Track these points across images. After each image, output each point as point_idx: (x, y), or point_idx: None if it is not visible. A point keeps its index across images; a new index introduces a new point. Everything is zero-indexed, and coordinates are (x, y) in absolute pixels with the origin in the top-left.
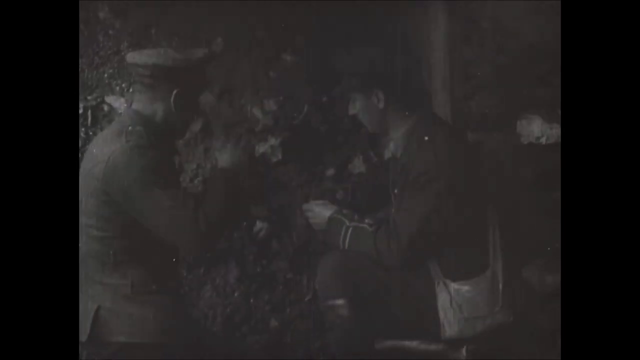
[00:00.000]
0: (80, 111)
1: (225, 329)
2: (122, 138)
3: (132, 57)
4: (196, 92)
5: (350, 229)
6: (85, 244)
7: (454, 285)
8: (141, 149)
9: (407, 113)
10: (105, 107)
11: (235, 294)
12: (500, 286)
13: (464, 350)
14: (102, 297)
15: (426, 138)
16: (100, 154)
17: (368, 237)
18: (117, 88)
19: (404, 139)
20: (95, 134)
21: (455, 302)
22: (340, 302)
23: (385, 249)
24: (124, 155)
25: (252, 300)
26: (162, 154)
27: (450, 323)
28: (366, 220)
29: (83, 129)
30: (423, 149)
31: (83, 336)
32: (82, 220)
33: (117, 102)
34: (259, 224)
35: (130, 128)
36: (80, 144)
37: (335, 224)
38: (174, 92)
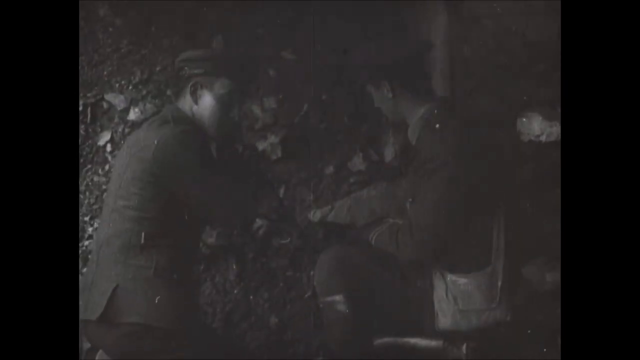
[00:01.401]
0: (80, 108)
1: (225, 326)
2: (170, 124)
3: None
4: (213, 86)
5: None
6: (115, 225)
7: (451, 277)
8: (189, 132)
9: (416, 100)
10: (105, 105)
11: (235, 291)
12: (499, 283)
13: (464, 348)
14: (122, 277)
15: (437, 126)
16: (146, 138)
17: (393, 231)
18: (117, 85)
19: (419, 125)
20: (94, 131)
21: (450, 293)
22: (338, 298)
23: (402, 243)
24: (174, 138)
25: (251, 298)
26: (206, 142)
27: (444, 314)
28: None
29: (83, 126)
30: (433, 137)
31: (95, 314)
32: (118, 202)
33: (116, 100)
34: (258, 222)
35: (174, 116)
36: (80, 141)
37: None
38: (190, 84)
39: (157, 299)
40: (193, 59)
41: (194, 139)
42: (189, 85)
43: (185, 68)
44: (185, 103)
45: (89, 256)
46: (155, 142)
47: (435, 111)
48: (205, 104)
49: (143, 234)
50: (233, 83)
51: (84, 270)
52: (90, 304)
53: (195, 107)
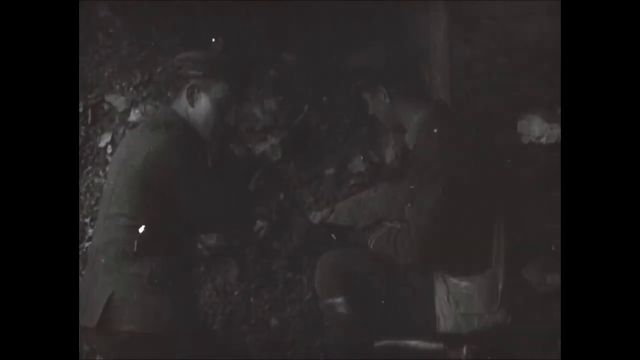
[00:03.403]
0: (81, 110)
1: (226, 327)
2: (161, 130)
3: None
4: (211, 89)
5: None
6: (109, 233)
7: (452, 280)
8: (181, 139)
9: (413, 105)
10: (106, 106)
11: (236, 293)
12: (500, 286)
13: (464, 350)
14: (117, 285)
15: (435, 130)
16: (137, 145)
17: (391, 235)
18: (117, 87)
19: (416, 129)
20: (95, 132)
21: (452, 296)
22: (339, 300)
23: (401, 247)
24: (165, 145)
25: (252, 299)
26: (199, 147)
27: (445, 317)
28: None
29: (83, 128)
30: (431, 141)
31: (91, 322)
32: (111, 209)
33: (117, 101)
34: (259, 223)
35: (165, 121)
36: (80, 143)
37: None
38: (187, 86)
39: (153, 307)
40: (192, 59)
41: (186, 145)
42: (186, 87)
43: (184, 68)
44: (181, 105)
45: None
46: (147, 150)
47: (433, 115)
48: (201, 107)
49: (136, 242)
50: (231, 87)
51: (84, 272)
52: (88, 311)
53: (190, 110)
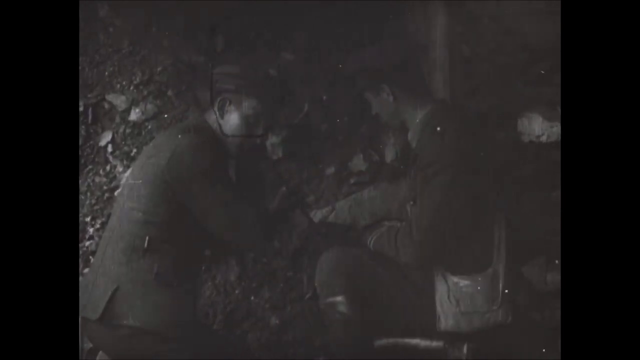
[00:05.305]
0: (81, 109)
1: (226, 326)
2: (190, 134)
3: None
4: (242, 105)
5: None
6: (122, 226)
7: (453, 279)
8: (207, 144)
9: (416, 103)
10: (106, 105)
11: (236, 292)
12: (501, 285)
13: (464, 349)
14: (123, 278)
15: (438, 129)
16: (164, 144)
17: (391, 234)
18: (118, 86)
19: (419, 128)
20: (96, 131)
21: (452, 295)
22: (339, 299)
23: (402, 245)
24: (191, 147)
25: (252, 298)
26: (223, 156)
27: (446, 316)
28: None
29: (84, 127)
30: (434, 139)
31: (95, 314)
32: (128, 203)
33: (117, 100)
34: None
35: (196, 126)
36: (80, 142)
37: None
38: (218, 99)
39: (155, 304)
40: (227, 73)
41: (211, 152)
42: (218, 99)
43: (220, 82)
44: (212, 116)
45: (91, 257)
46: (173, 149)
47: (436, 114)
48: (230, 120)
49: (147, 238)
50: (262, 105)
51: (85, 270)
52: (91, 303)
53: (220, 122)
